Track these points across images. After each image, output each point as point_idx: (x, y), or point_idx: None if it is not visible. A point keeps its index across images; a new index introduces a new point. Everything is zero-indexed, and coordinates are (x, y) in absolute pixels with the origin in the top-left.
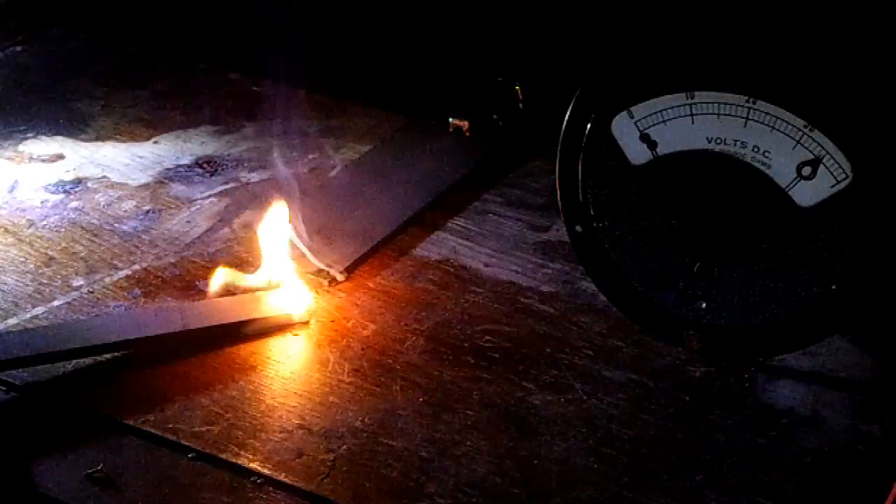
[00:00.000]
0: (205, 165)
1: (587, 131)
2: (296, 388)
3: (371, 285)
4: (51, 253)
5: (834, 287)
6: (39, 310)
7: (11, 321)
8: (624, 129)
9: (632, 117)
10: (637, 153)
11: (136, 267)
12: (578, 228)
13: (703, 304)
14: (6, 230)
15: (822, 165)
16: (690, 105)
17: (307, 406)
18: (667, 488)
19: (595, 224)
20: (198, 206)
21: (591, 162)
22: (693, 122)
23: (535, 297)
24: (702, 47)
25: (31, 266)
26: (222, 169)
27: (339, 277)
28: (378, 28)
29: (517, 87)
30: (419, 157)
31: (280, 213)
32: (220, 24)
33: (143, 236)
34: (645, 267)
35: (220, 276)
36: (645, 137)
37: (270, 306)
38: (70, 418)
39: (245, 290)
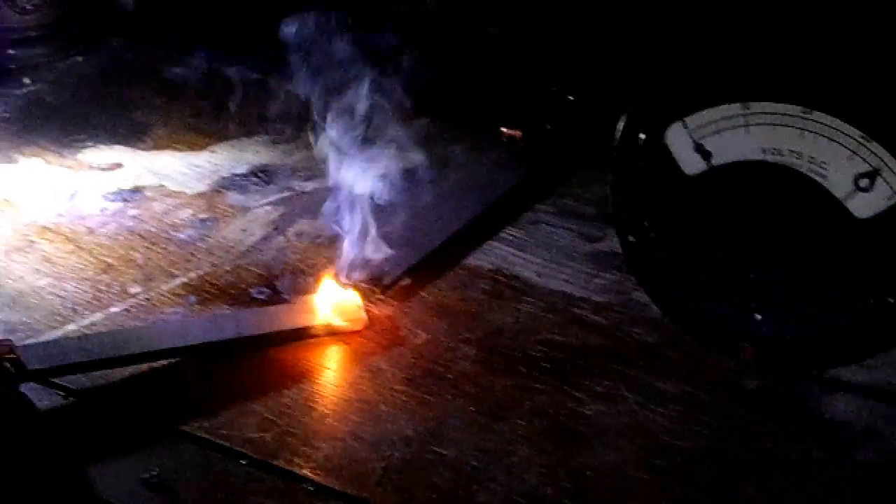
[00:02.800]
0: (260, 174)
1: (641, 141)
2: (347, 396)
3: (423, 294)
4: (109, 260)
5: (890, 300)
6: (97, 316)
7: (70, 327)
8: (678, 140)
9: (686, 127)
10: (691, 163)
11: (192, 274)
12: (631, 239)
13: (758, 316)
14: (66, 237)
15: (879, 177)
16: (746, 115)
17: (359, 414)
18: (720, 501)
19: (648, 234)
20: (253, 215)
21: (644, 172)
22: (748, 133)
23: (587, 307)
24: (758, 57)
25: (90, 273)
26: (277, 178)
27: (392, 286)
28: (430, 37)
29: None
30: (471, 166)
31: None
32: (275, 37)
33: (199, 244)
34: (699, 278)
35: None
36: (699, 148)
37: (323, 314)
38: (126, 424)
39: (298, 298)
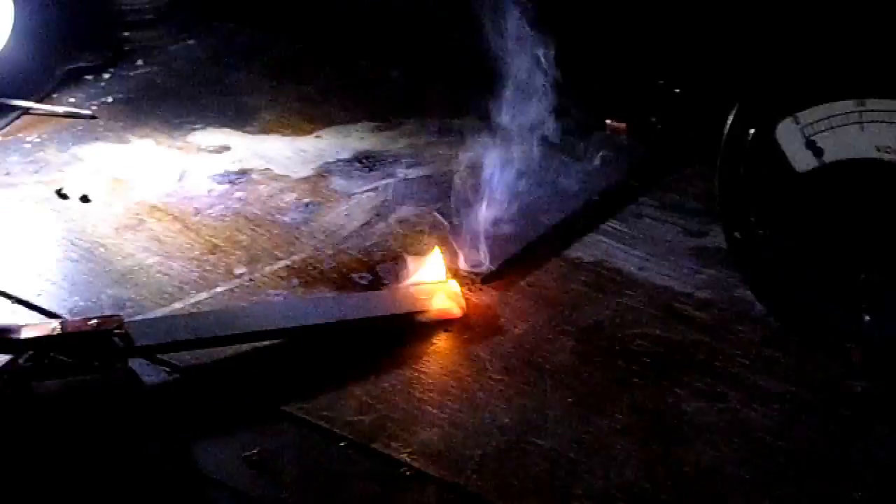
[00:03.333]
0: (364, 160)
1: (750, 136)
2: (446, 383)
3: (523, 285)
4: (215, 241)
5: None
6: (203, 295)
7: (177, 305)
8: (789, 135)
9: (797, 123)
10: (802, 160)
11: (295, 257)
12: (737, 235)
13: (868, 318)
14: (175, 217)
15: None
16: (860, 112)
17: (457, 401)
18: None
19: (755, 231)
20: (356, 200)
21: (753, 168)
22: (862, 130)
23: (689, 303)
24: (874, 53)
25: (197, 253)
26: (380, 164)
27: (493, 275)
28: (536, 28)
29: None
30: (575, 158)
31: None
32: (382, 22)
33: (303, 228)
34: (806, 276)
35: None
36: (811, 144)
37: (424, 301)
38: (229, 402)
39: (399, 285)
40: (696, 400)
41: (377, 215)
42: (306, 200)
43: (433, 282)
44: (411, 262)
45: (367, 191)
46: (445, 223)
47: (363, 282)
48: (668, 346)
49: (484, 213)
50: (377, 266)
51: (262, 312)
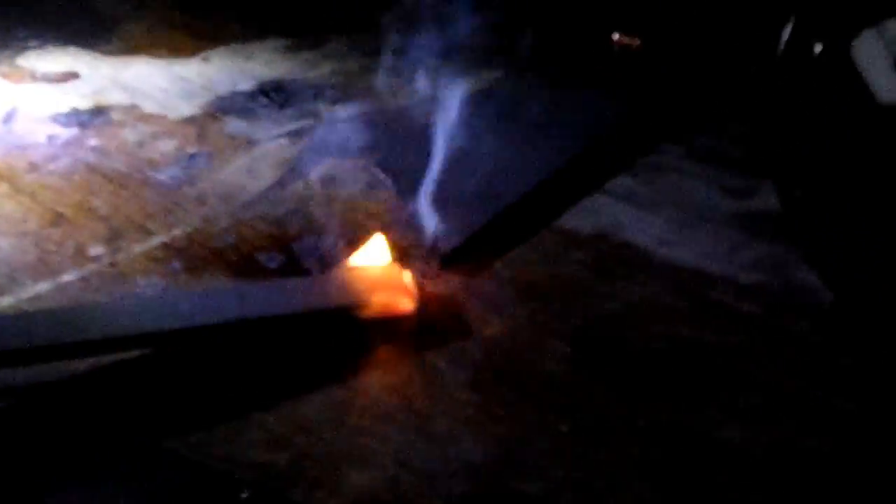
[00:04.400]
0: (272, 94)
1: (815, 54)
2: (392, 406)
3: (498, 268)
4: (59, 209)
5: None
6: (43, 286)
7: (5, 301)
8: (870, 54)
9: (882, 37)
10: (888, 87)
11: (177, 232)
12: (798, 193)
13: None
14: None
15: None
16: None
17: (407, 433)
18: None
19: (822, 188)
20: (261, 151)
21: (820, 99)
22: None
23: (729, 290)
24: None
25: (33, 226)
26: (295, 98)
27: (455, 256)
28: None
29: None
30: (569, 88)
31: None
32: None
33: (187, 190)
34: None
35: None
36: None
37: (361, 292)
38: (84, 438)
39: (325, 270)
40: (738, 425)
41: (292, 172)
42: (191, 151)
43: (373, 266)
44: (342, 237)
45: (278, 137)
46: (388, 182)
47: (273, 265)
48: (700, 352)
49: (442, 167)
50: (293, 243)
51: (129, 310)
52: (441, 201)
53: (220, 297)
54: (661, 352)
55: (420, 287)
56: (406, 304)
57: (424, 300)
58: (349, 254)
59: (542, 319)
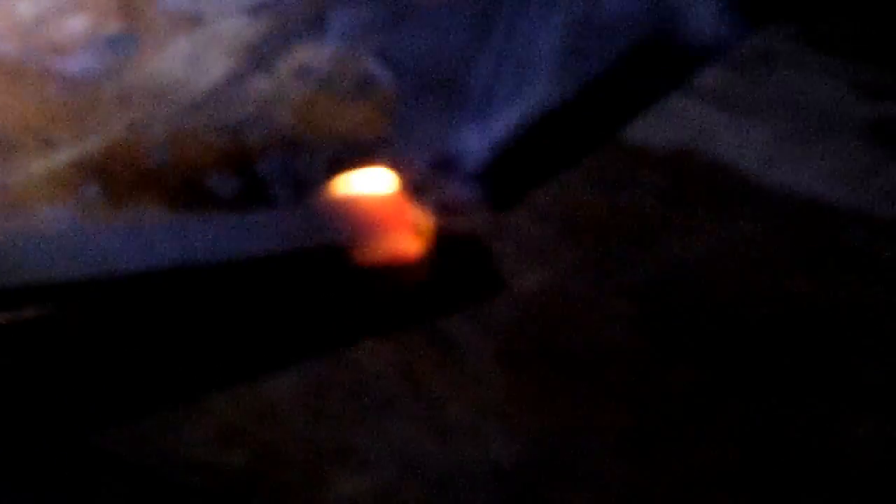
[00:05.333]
0: None
1: None
2: (393, 391)
3: (539, 198)
4: None
5: None
6: None
7: None
8: None
9: None
10: None
11: (92, 144)
12: None
13: None
14: None
15: None
16: None
17: (413, 425)
18: None
19: None
20: (211, 32)
21: None
22: None
23: (862, 229)
24: None
25: None
26: None
27: (479, 180)
28: None
29: None
30: None
31: None
32: None
33: (106, 86)
34: None
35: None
36: None
37: (345, 231)
38: None
39: (301, 202)
40: (875, 422)
41: (253, 62)
42: (111, 31)
43: (367, 195)
44: (323, 154)
45: (234, 12)
46: (388, 78)
47: (227, 192)
48: (822, 316)
49: (465, 56)
50: (255, 162)
51: (25, 252)
52: (462, 105)
53: (154, 236)
54: (766, 316)
55: (432, 224)
56: (412, 248)
57: (437, 242)
58: (333, 178)
59: (597, 269)
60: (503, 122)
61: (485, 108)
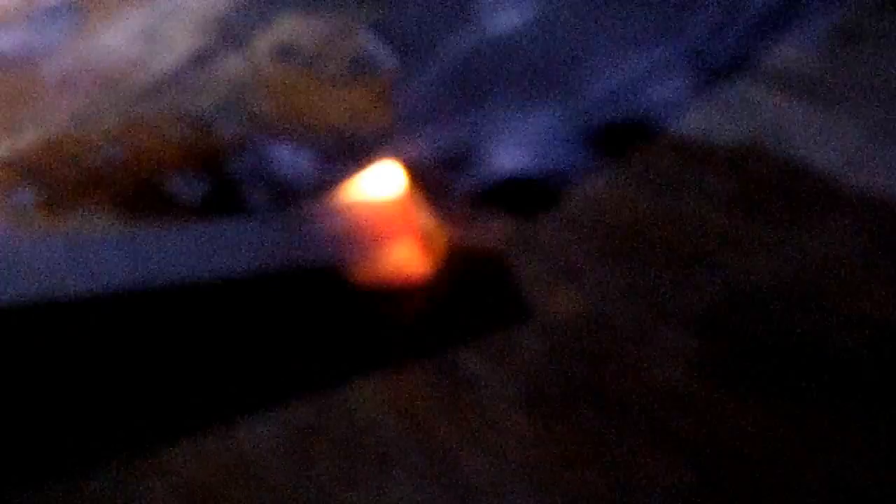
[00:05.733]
0: None
1: None
2: (398, 441)
3: (575, 204)
4: None
5: None
6: None
7: None
8: None
9: None
10: None
11: (27, 139)
12: None
13: None
14: None
15: None
16: None
17: (422, 483)
18: None
19: None
20: (171, 3)
21: None
22: None
23: None
24: None
25: None
26: None
27: (501, 182)
28: None
29: None
30: None
31: None
32: None
33: (44, 67)
34: None
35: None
36: None
37: (339, 245)
38: None
39: (285, 208)
40: None
41: (224, 37)
42: (50, 0)
43: (365, 200)
44: (311, 149)
45: None
46: (388, 57)
47: (192, 196)
48: None
49: (484, 32)
50: (227, 158)
51: None
52: (480, 91)
53: (101, 251)
54: (853, 348)
55: (443, 236)
56: (418, 265)
57: (450, 258)
58: (321, 179)
59: (647, 291)
60: (533, 116)
61: (508, 98)
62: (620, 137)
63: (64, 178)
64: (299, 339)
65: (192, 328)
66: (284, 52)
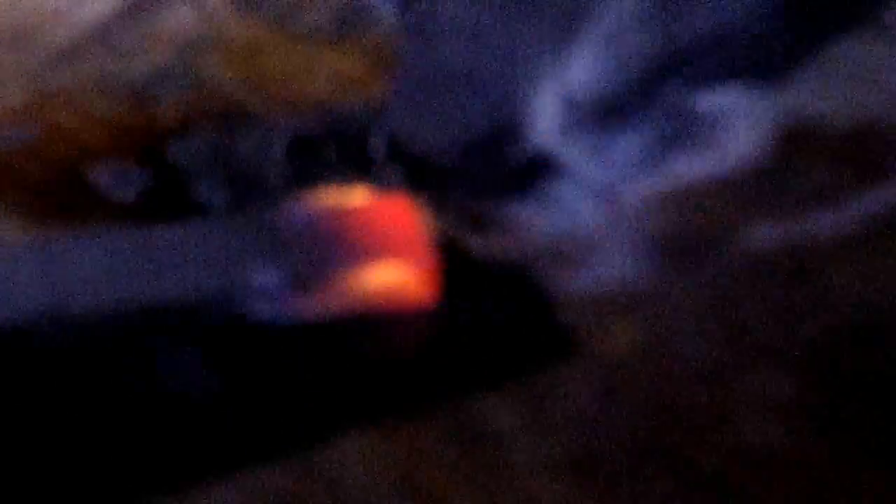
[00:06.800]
0: None
1: None
2: None
3: (629, 202)
4: None
5: None
6: None
7: None
8: None
9: None
10: None
11: None
12: None
13: None
14: None
15: None
16: None
17: None
18: None
19: None
20: None
21: None
22: None
23: None
24: None
25: None
26: None
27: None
28: None
29: None
30: None
31: None
32: None
33: None
34: None
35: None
36: None
37: (320, 259)
38: None
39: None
40: None
41: None
42: None
43: (355, 199)
44: (283, 129)
45: None
46: (386, 6)
47: (124, 191)
48: None
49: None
50: (170, 141)
51: None
52: (514, 48)
53: (7, 264)
54: None
55: (456, 246)
56: (424, 284)
57: (465, 276)
58: (297, 169)
59: (727, 320)
60: (573, 86)
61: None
62: None
63: None
64: (269, 383)
65: (127, 368)
66: (248, 1)
